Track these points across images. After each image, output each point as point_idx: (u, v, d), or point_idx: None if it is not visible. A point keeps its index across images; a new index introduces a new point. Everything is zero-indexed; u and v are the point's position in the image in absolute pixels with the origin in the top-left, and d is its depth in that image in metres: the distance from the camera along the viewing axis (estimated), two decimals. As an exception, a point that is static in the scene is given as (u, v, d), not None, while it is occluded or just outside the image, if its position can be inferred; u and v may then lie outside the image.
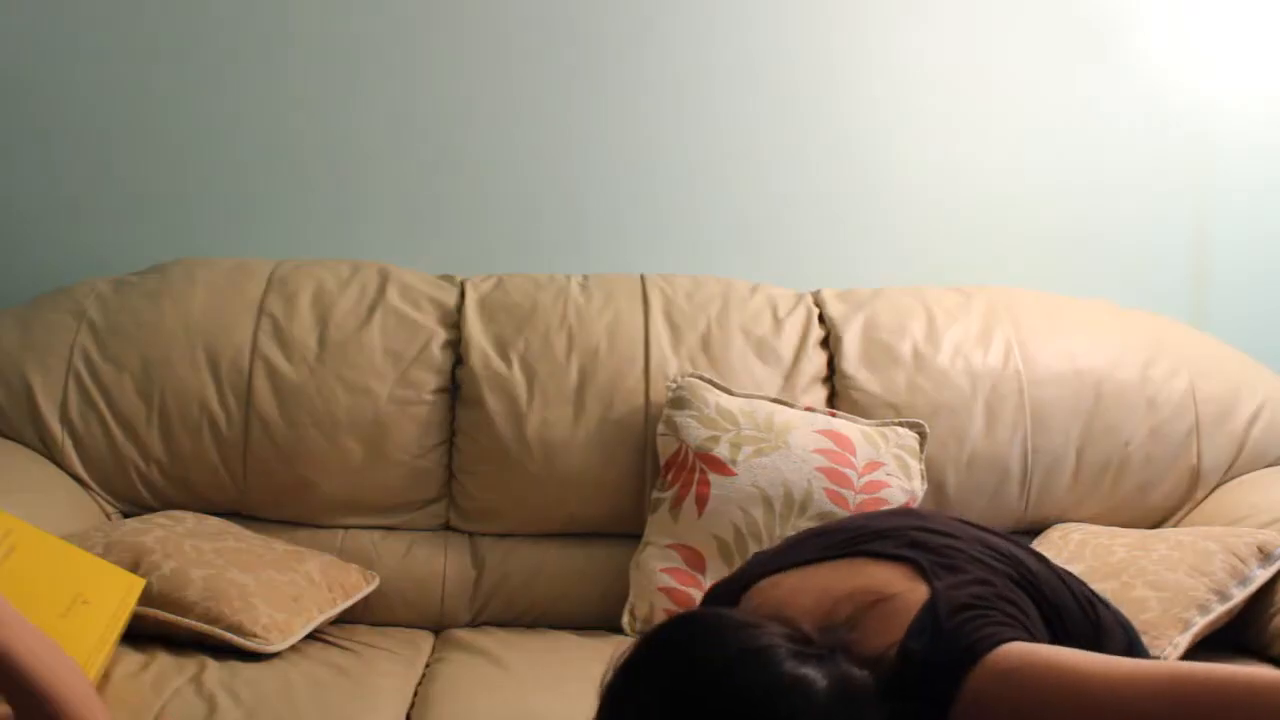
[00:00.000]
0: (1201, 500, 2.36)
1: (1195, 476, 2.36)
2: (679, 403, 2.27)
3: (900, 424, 2.30)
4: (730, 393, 2.30)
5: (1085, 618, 1.45)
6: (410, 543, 2.34)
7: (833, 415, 2.30)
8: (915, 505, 2.22)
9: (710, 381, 2.30)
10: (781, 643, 1.20)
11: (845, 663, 1.21)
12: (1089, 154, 2.74)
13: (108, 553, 1.97)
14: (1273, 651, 2.01)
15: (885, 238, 2.74)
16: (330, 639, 2.10)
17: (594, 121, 2.68)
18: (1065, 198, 2.75)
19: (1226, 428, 2.37)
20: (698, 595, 2.17)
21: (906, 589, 1.32)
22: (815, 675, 1.18)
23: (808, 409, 2.31)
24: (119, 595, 1.83)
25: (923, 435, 2.29)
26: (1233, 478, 2.37)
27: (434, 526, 2.37)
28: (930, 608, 1.27)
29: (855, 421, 2.29)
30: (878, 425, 2.29)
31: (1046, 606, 1.39)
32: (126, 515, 2.27)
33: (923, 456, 2.27)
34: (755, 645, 1.20)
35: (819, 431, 2.24)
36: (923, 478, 2.26)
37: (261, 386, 2.30)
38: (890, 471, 2.22)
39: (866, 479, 2.20)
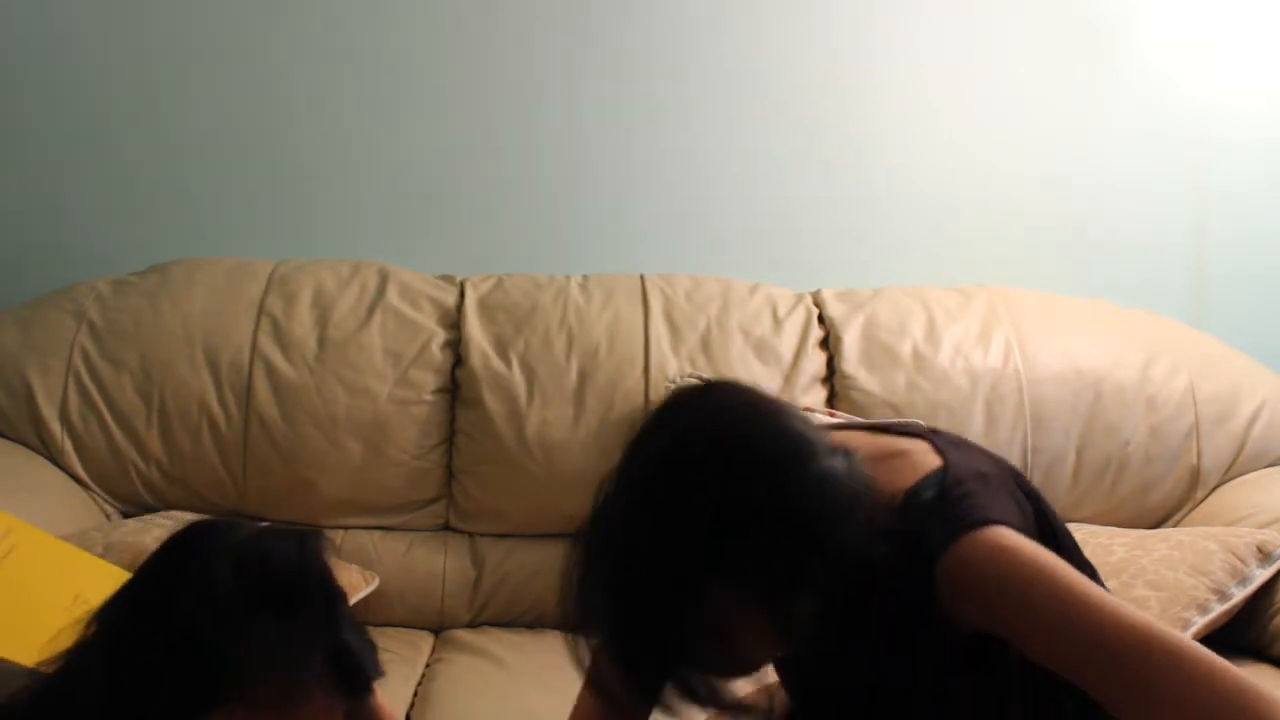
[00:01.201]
0: (1201, 500, 2.35)
1: (1195, 476, 2.36)
2: (679, 403, 2.26)
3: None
4: (730, 393, 2.30)
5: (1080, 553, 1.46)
6: (410, 543, 2.34)
7: (832, 415, 2.30)
8: None
9: (710, 381, 2.30)
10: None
11: (862, 469, 1.23)
12: (1089, 154, 2.74)
13: (107, 553, 1.96)
14: (1273, 651, 2.01)
15: (885, 238, 2.74)
16: (330, 639, 2.10)
17: (594, 122, 2.68)
18: (1065, 198, 2.75)
19: (1226, 428, 2.37)
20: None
21: (923, 452, 1.34)
22: (836, 461, 1.20)
23: (807, 409, 2.31)
24: (119, 595, 1.82)
25: (922, 435, 2.29)
26: (1233, 478, 2.37)
27: (434, 526, 2.37)
28: (942, 470, 1.30)
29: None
30: (877, 425, 2.29)
31: (1044, 520, 1.41)
32: (126, 515, 2.28)
33: (922, 456, 2.27)
34: (780, 409, 1.24)
35: (819, 431, 2.24)
36: (922, 478, 2.25)
37: (261, 386, 2.30)
38: (890, 471, 2.21)
39: (866, 479, 2.19)
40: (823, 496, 1.18)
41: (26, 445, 2.29)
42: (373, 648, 1.21)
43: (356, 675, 1.17)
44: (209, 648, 1.11)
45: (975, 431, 2.32)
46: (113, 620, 1.18)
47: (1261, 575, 2.02)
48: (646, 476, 1.21)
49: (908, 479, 1.29)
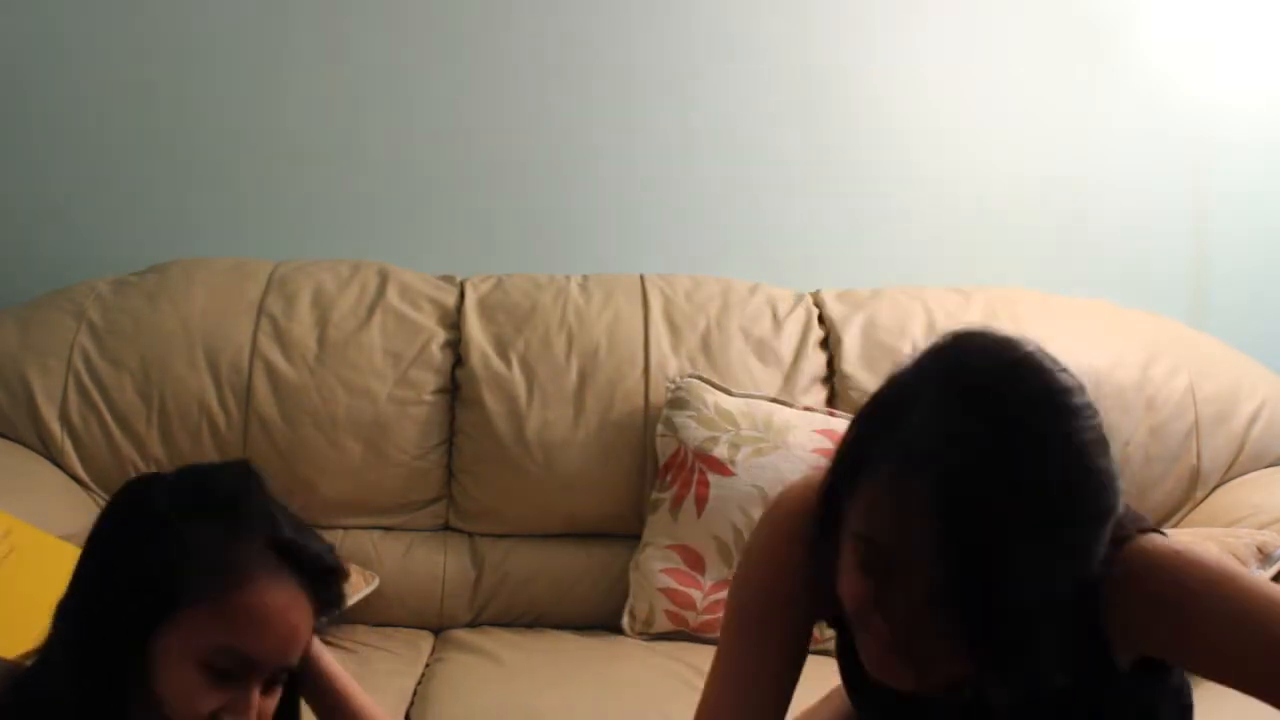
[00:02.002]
0: (1201, 500, 2.35)
1: (1195, 476, 2.35)
2: (678, 403, 2.27)
3: (900, 424, 2.29)
4: (729, 393, 2.30)
5: None
6: (410, 543, 2.34)
7: (832, 415, 2.30)
8: None
9: (709, 382, 2.30)
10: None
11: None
12: (1089, 154, 2.74)
13: (107, 553, 1.97)
14: (1272, 652, 2.01)
15: (885, 238, 2.74)
16: (330, 639, 2.10)
17: (594, 122, 2.68)
18: (1065, 198, 2.75)
19: (1226, 428, 2.37)
20: (698, 596, 2.18)
21: None
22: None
23: (806, 409, 2.31)
24: (119, 595, 1.82)
25: (922, 435, 2.28)
26: (1233, 478, 2.37)
27: (434, 527, 2.37)
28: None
29: (855, 422, 2.29)
30: (877, 425, 2.29)
31: None
32: (126, 515, 2.27)
33: (922, 457, 2.27)
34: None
35: (818, 431, 2.24)
36: (922, 478, 2.25)
37: (261, 387, 2.30)
38: (890, 472, 2.21)
39: (866, 479, 2.19)
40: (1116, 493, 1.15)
41: (26, 445, 2.28)
42: (326, 544, 1.23)
43: (304, 559, 1.18)
44: (151, 564, 1.14)
45: (975, 432, 2.32)
46: (69, 595, 1.21)
47: (1261, 577, 2.02)
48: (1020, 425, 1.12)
49: None
